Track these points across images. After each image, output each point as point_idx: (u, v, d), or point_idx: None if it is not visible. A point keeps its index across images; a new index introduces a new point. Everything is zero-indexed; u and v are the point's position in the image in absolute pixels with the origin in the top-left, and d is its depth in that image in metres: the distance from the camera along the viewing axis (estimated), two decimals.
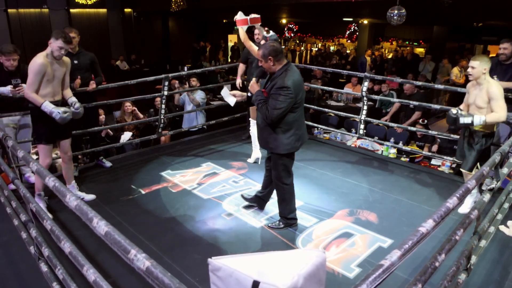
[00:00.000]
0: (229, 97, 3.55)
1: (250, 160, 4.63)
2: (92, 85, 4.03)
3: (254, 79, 3.11)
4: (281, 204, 3.23)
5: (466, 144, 3.50)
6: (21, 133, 3.96)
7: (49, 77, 3.19)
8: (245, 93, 3.34)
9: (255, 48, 4.16)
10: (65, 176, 3.61)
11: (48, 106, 3.15)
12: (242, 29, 4.21)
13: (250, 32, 5.16)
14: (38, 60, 3.11)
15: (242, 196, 3.60)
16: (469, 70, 3.28)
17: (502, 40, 3.95)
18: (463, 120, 3.26)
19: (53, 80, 3.25)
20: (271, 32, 4.27)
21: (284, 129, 2.94)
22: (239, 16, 4.18)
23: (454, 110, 3.39)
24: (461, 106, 3.55)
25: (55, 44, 3.13)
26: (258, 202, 3.51)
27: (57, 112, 3.15)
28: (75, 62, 3.94)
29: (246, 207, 3.56)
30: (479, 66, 3.22)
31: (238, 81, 5.22)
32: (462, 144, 3.55)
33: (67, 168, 3.58)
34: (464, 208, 3.44)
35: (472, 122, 3.23)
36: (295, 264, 1.63)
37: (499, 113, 3.20)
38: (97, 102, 4.39)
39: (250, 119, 4.49)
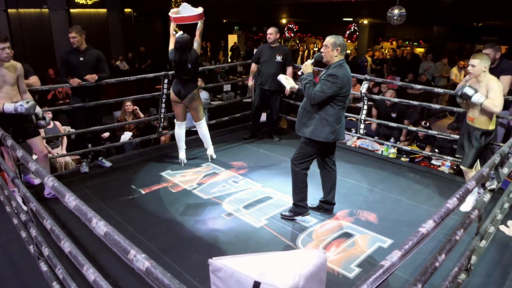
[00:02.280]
0: (285, 82, 3.47)
1: (180, 161, 4.56)
2: (92, 77, 4.00)
3: (310, 60, 3.22)
4: (293, 190, 3.31)
5: (465, 141, 3.52)
6: None
7: None
8: (296, 85, 3.39)
9: (171, 45, 4.23)
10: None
11: (9, 106, 3.19)
12: (172, 24, 4.29)
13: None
14: None
15: (310, 207, 3.53)
16: (469, 68, 3.30)
17: (485, 45, 4.00)
18: (467, 89, 3.29)
19: (3, 85, 3.25)
20: (180, 32, 4.24)
21: (322, 118, 3.05)
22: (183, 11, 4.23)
23: (466, 82, 3.45)
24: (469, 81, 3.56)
25: None
26: (324, 206, 3.51)
27: (19, 105, 3.20)
28: (81, 59, 3.97)
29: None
30: (479, 64, 3.25)
31: (251, 83, 5.23)
32: (462, 140, 3.58)
33: (43, 166, 3.56)
34: (466, 207, 3.44)
35: (472, 95, 3.25)
36: (296, 264, 1.63)
37: (495, 102, 3.21)
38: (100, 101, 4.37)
39: (175, 120, 4.48)
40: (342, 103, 3.08)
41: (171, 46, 4.22)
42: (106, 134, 5.60)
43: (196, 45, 4.20)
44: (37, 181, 3.94)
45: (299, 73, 3.23)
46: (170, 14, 4.25)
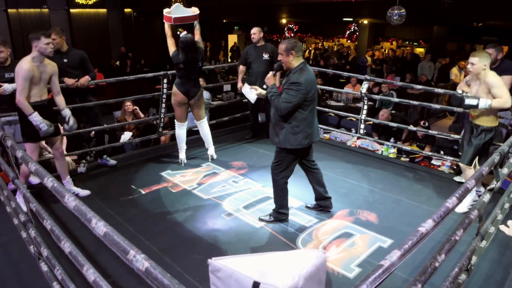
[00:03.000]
0: (250, 93, 3.52)
1: (180, 161, 4.56)
2: (83, 80, 4.00)
3: (271, 72, 3.18)
4: (274, 197, 3.32)
5: (466, 138, 3.53)
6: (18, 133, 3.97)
7: (35, 80, 3.24)
8: (264, 91, 3.39)
9: (172, 47, 4.20)
10: (59, 171, 3.66)
11: (36, 118, 3.22)
12: (167, 24, 4.26)
13: (250, 32, 5.16)
14: (25, 66, 3.14)
15: (307, 206, 3.59)
16: (469, 66, 3.30)
17: (487, 45, 3.97)
18: (469, 101, 3.26)
19: (40, 83, 3.29)
20: (184, 32, 4.29)
21: (293, 125, 3.03)
22: (174, 11, 4.19)
23: (459, 90, 3.41)
24: (464, 88, 3.55)
25: (41, 43, 3.16)
26: (321, 204, 3.52)
27: (44, 124, 3.24)
28: (65, 60, 3.94)
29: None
30: (478, 62, 3.24)
31: (239, 85, 5.22)
32: (463, 138, 3.58)
33: (61, 164, 3.64)
34: (462, 207, 3.44)
35: (478, 104, 3.23)
36: (295, 264, 1.63)
37: (503, 98, 3.19)
38: (94, 101, 4.35)
39: (175, 120, 4.48)
40: (310, 106, 3.03)
41: (173, 47, 4.20)
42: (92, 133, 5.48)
43: (200, 44, 4.24)
44: (32, 180, 3.94)
45: (264, 86, 3.20)
46: (165, 13, 4.21)
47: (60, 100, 3.52)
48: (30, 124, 3.26)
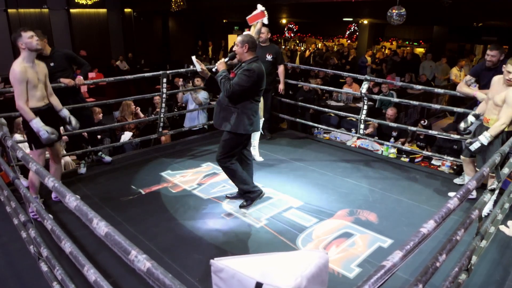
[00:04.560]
0: (197, 64, 3.50)
1: (257, 159, 4.63)
2: (78, 81, 3.95)
3: (223, 59, 3.35)
4: (234, 183, 3.47)
5: (473, 134, 3.59)
6: None
7: (34, 82, 3.11)
8: (209, 73, 3.44)
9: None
10: (53, 176, 3.57)
11: (37, 124, 3.08)
12: (259, 23, 4.29)
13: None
14: (17, 68, 3.01)
15: (227, 196, 3.71)
16: (511, 76, 3.21)
17: (490, 46, 3.93)
18: (474, 147, 3.33)
19: (38, 84, 3.16)
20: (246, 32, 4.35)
21: (241, 112, 3.22)
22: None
23: (465, 123, 3.65)
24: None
25: (24, 39, 3.03)
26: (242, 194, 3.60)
27: (44, 131, 3.09)
28: (52, 65, 3.77)
29: (246, 206, 3.54)
30: (497, 54, 3.31)
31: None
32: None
33: (57, 169, 3.54)
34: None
35: (482, 143, 3.28)
36: (298, 265, 1.62)
37: (501, 120, 3.22)
38: (85, 101, 4.32)
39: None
40: (258, 97, 3.29)
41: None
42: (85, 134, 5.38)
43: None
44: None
45: (214, 69, 3.33)
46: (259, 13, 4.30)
47: (55, 101, 3.40)
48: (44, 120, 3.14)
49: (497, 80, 3.39)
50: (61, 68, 3.88)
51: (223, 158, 3.37)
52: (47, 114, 3.23)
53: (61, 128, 3.64)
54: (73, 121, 3.45)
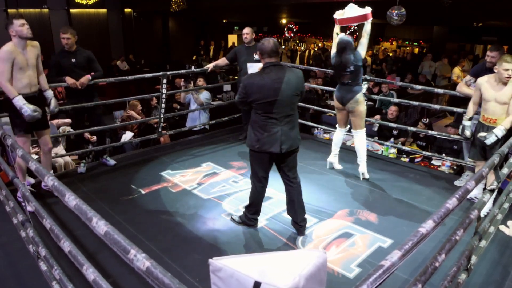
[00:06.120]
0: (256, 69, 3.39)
1: (336, 166, 4.50)
2: (83, 79, 3.96)
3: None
4: (249, 200, 3.21)
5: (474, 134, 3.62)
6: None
7: (22, 65, 3.16)
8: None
9: (333, 48, 4.08)
10: (43, 165, 3.58)
11: (19, 101, 3.11)
12: (337, 26, 4.20)
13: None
14: (5, 48, 3.10)
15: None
16: (510, 73, 3.23)
17: (491, 47, 3.93)
18: (490, 140, 3.32)
19: (28, 69, 3.21)
20: (342, 34, 4.16)
21: (251, 126, 2.98)
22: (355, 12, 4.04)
23: (468, 129, 3.65)
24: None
25: (16, 27, 3.10)
26: (294, 226, 3.23)
27: (27, 109, 3.10)
28: (73, 60, 3.94)
29: (234, 220, 3.42)
30: (497, 55, 3.31)
31: (210, 66, 5.29)
32: (476, 143, 3.63)
33: (47, 159, 3.55)
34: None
35: (497, 136, 3.29)
36: (296, 264, 1.63)
37: None
38: (98, 100, 4.34)
39: (337, 124, 4.37)
40: (261, 111, 2.86)
41: (333, 49, 4.09)
42: (94, 138, 5.23)
43: (361, 47, 4.02)
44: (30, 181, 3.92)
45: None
46: (335, 16, 4.12)
47: (42, 79, 3.45)
48: (19, 114, 3.16)
49: (486, 80, 3.42)
50: (80, 66, 3.99)
51: (251, 174, 3.15)
52: (32, 102, 3.22)
53: (64, 128, 3.66)
54: (52, 104, 3.48)
